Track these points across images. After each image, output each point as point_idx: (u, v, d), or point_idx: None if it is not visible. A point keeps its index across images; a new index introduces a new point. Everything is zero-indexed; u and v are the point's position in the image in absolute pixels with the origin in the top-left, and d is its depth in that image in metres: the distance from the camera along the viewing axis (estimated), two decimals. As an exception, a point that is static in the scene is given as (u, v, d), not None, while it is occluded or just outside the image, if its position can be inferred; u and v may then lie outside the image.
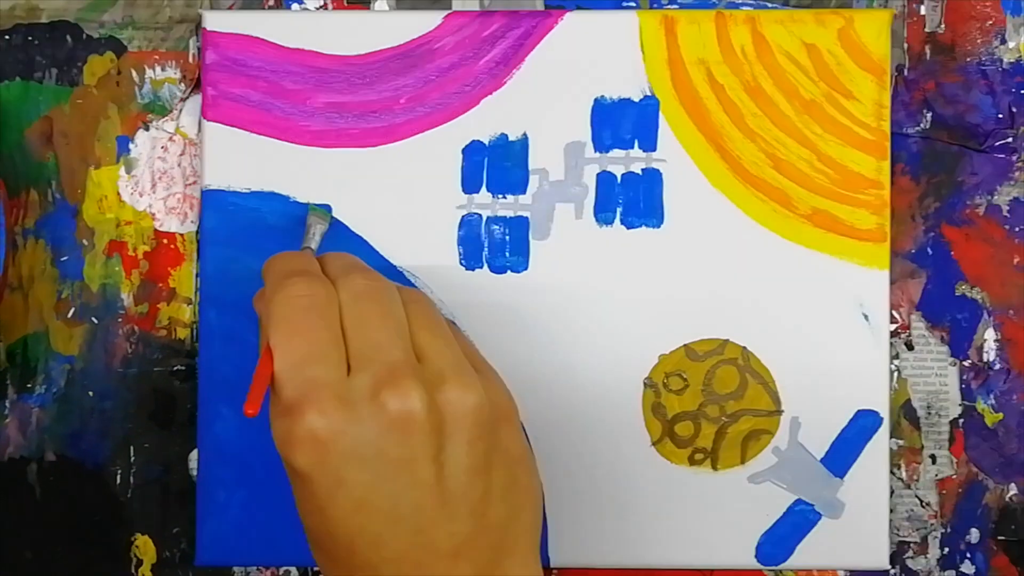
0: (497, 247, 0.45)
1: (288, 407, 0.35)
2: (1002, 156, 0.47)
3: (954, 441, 0.46)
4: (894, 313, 0.46)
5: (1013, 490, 0.46)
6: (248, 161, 0.45)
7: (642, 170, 0.45)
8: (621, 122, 0.45)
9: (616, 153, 0.45)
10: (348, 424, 0.35)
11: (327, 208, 0.45)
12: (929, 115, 0.47)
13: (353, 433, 0.35)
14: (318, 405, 0.35)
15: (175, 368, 0.46)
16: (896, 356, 0.46)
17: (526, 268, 0.45)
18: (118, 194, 0.46)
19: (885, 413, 0.45)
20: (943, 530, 0.46)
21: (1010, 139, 0.47)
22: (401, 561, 0.36)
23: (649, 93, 0.46)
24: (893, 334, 0.46)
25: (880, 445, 0.45)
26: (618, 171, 0.45)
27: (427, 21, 0.46)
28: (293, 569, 0.46)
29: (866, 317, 0.45)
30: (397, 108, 0.45)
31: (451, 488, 0.36)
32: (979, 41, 0.47)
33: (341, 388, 0.35)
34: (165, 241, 0.46)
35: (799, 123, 0.45)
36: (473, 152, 0.45)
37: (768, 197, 0.45)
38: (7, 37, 0.46)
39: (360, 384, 0.35)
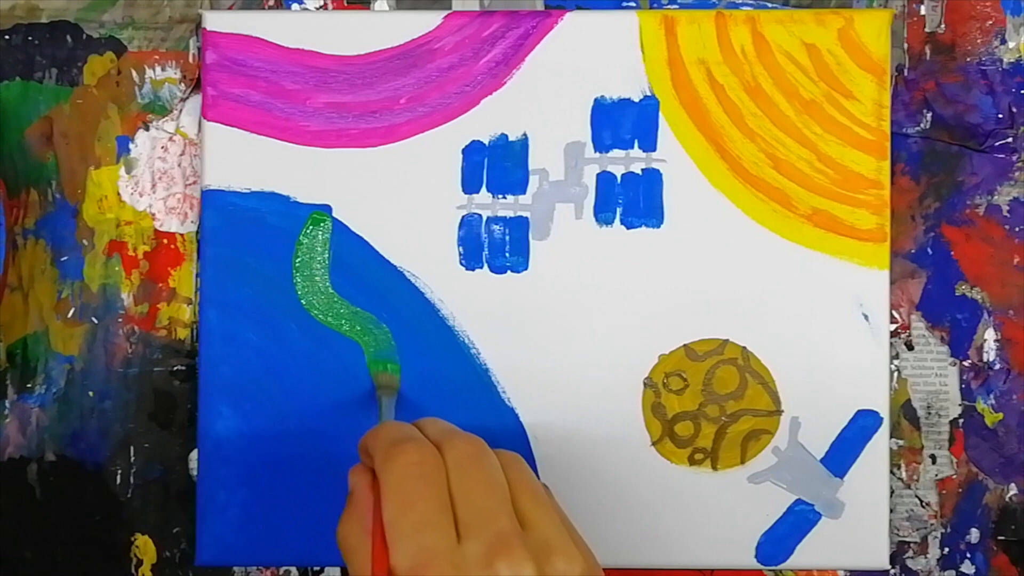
0: (497, 247, 0.45)
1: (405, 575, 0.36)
2: (1002, 156, 0.47)
3: (954, 441, 0.46)
4: (894, 313, 0.46)
5: (1013, 490, 0.46)
6: (248, 161, 0.45)
7: (642, 170, 0.45)
8: (621, 122, 0.45)
9: (616, 153, 0.45)
10: None
11: (389, 359, 0.45)
12: (929, 115, 0.47)
13: None
14: (433, 571, 0.35)
15: (175, 368, 0.46)
16: (896, 356, 0.46)
17: (526, 268, 0.45)
18: (118, 194, 0.46)
19: (885, 413, 0.45)
20: (943, 530, 0.46)
21: (1010, 139, 0.47)
22: None
23: (649, 93, 0.46)
24: (893, 334, 0.46)
25: (880, 445, 0.45)
26: (618, 171, 0.45)
27: (427, 21, 0.46)
28: (293, 569, 0.46)
29: (866, 317, 0.45)
30: (397, 108, 0.45)
31: None
32: (979, 41, 0.47)
33: (455, 556, 0.36)
34: (165, 241, 0.46)
35: (799, 123, 0.45)
36: (473, 152, 0.45)
37: (768, 197, 0.45)
38: (7, 37, 0.46)
39: (472, 552, 0.36)
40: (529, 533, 0.37)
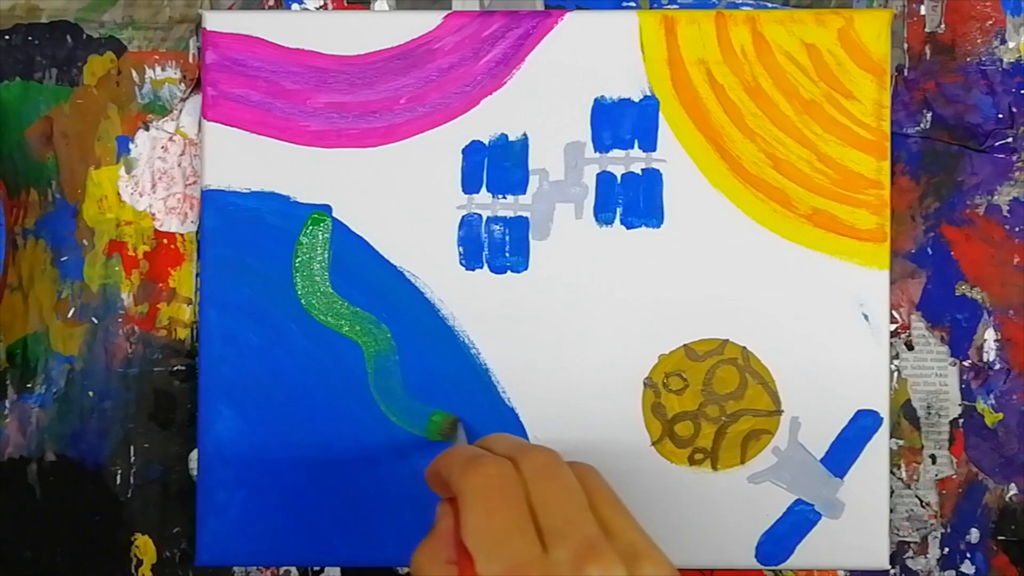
0: (497, 247, 0.45)
1: None
2: (1002, 156, 0.47)
3: (954, 441, 0.46)
4: (894, 313, 0.46)
5: (1013, 490, 0.46)
6: (248, 161, 0.45)
7: (642, 170, 0.45)
8: (621, 122, 0.45)
9: (616, 153, 0.45)
10: None
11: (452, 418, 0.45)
12: (929, 115, 0.47)
13: None
14: None
15: (175, 368, 0.46)
16: (896, 356, 0.46)
17: (526, 268, 0.45)
18: (118, 194, 0.46)
19: (885, 413, 0.45)
20: (943, 530, 0.46)
21: (1010, 139, 0.47)
22: None
23: (649, 93, 0.46)
24: (893, 334, 0.46)
25: (880, 445, 0.45)
26: (618, 171, 0.45)
27: (427, 21, 0.46)
28: (293, 569, 0.46)
29: (866, 317, 0.45)
30: (397, 108, 0.45)
31: None
32: (979, 41, 0.47)
33: (545, 566, 0.36)
34: (165, 241, 0.46)
35: (799, 123, 0.45)
36: (473, 152, 0.45)
37: (768, 197, 0.45)
38: (7, 37, 0.46)
39: (560, 558, 0.36)
40: (614, 540, 0.37)
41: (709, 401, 0.46)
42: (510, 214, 0.46)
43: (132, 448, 0.46)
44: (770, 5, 0.46)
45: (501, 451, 0.39)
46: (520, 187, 0.46)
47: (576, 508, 0.37)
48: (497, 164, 0.45)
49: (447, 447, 0.41)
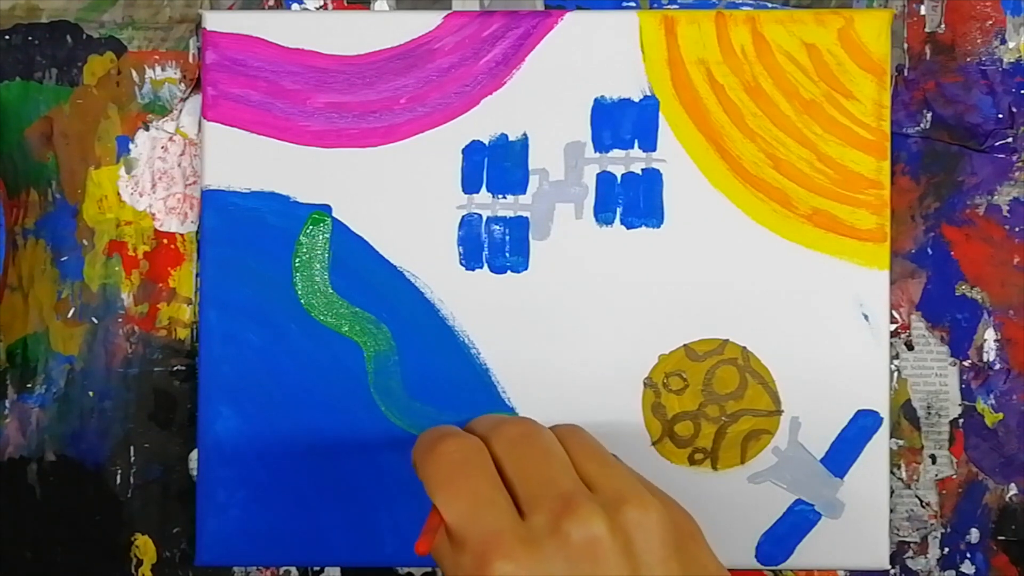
0: (497, 247, 0.45)
1: (475, 561, 0.34)
2: (1002, 156, 0.47)
3: (954, 441, 0.46)
4: (894, 313, 0.46)
5: (1013, 490, 0.46)
6: (248, 161, 0.45)
7: (642, 170, 0.45)
8: (621, 122, 0.45)
9: (616, 153, 0.45)
10: (537, 563, 0.34)
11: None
12: (929, 115, 0.47)
13: (543, 571, 0.34)
14: (502, 551, 0.34)
15: (175, 368, 0.46)
16: (896, 356, 0.46)
17: (526, 268, 0.45)
18: (118, 194, 0.46)
19: (885, 413, 0.45)
20: (943, 530, 0.46)
21: (1010, 139, 0.47)
22: None
23: (649, 93, 0.46)
24: (893, 334, 0.46)
25: (880, 445, 0.45)
26: (618, 171, 0.45)
27: (427, 21, 0.46)
28: (293, 569, 0.46)
29: (866, 317, 0.45)
30: (397, 108, 0.45)
31: None
32: (979, 41, 0.47)
33: (521, 531, 0.34)
34: (165, 241, 0.46)
35: (799, 123, 0.45)
36: (473, 152, 0.45)
37: (768, 197, 0.45)
38: (7, 37, 0.46)
39: (538, 523, 0.35)
40: (598, 493, 0.36)
41: (709, 401, 0.46)
42: (510, 214, 0.46)
43: (132, 448, 0.46)
44: (770, 5, 0.46)
45: (479, 430, 0.39)
46: (520, 187, 0.46)
47: (555, 470, 0.36)
48: (497, 164, 0.45)
49: None
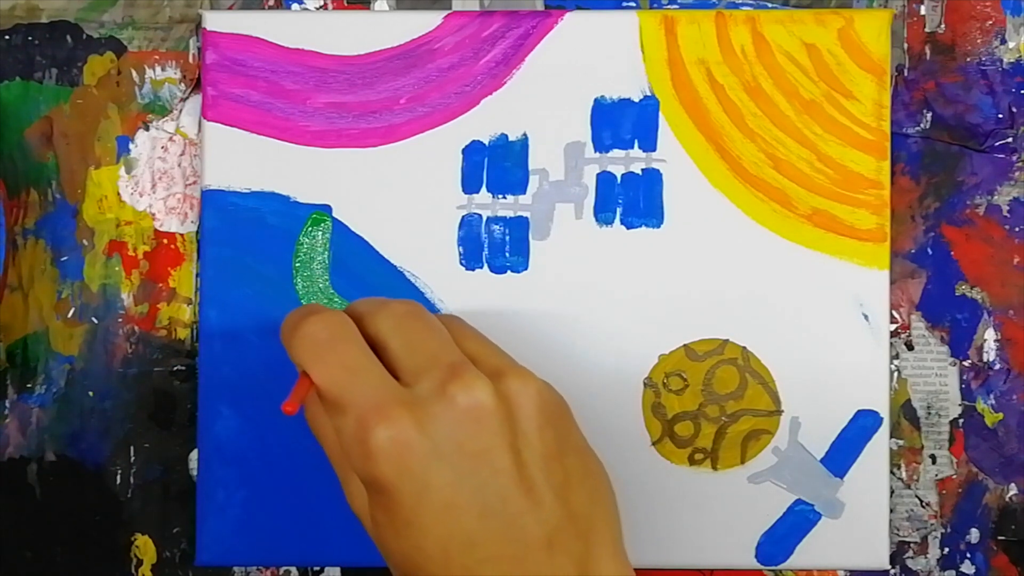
0: (497, 247, 0.45)
1: (357, 424, 0.35)
2: (1002, 156, 0.47)
3: (954, 441, 0.46)
4: (894, 313, 0.46)
5: (1013, 490, 0.46)
6: (248, 161, 0.45)
7: (642, 170, 0.45)
8: (621, 122, 0.45)
9: (616, 153, 0.45)
10: (422, 425, 0.35)
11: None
12: (929, 115, 0.47)
13: (428, 432, 0.35)
14: (383, 414, 0.35)
15: (175, 368, 0.46)
16: (896, 356, 0.46)
17: (526, 268, 0.45)
18: (118, 194, 0.46)
19: (885, 413, 0.45)
20: (943, 530, 0.46)
21: (1010, 139, 0.47)
22: (498, 560, 0.35)
23: (649, 93, 0.46)
24: (893, 334, 0.46)
25: (880, 445, 0.45)
26: (618, 171, 0.45)
27: (427, 21, 0.46)
28: (293, 569, 0.46)
29: (866, 317, 0.45)
30: (397, 108, 0.45)
31: (532, 475, 0.36)
32: (979, 41, 0.47)
33: (403, 395, 0.36)
34: (165, 241, 0.46)
35: (799, 123, 0.45)
36: (473, 152, 0.45)
37: (768, 197, 0.45)
38: (7, 37, 0.46)
39: (424, 390, 0.36)
40: (479, 365, 0.37)
41: (709, 401, 0.46)
42: (510, 214, 0.46)
43: (132, 448, 0.46)
44: (770, 5, 0.46)
45: (363, 308, 0.39)
46: (520, 187, 0.46)
47: (440, 344, 0.37)
48: (497, 164, 0.45)
49: None
